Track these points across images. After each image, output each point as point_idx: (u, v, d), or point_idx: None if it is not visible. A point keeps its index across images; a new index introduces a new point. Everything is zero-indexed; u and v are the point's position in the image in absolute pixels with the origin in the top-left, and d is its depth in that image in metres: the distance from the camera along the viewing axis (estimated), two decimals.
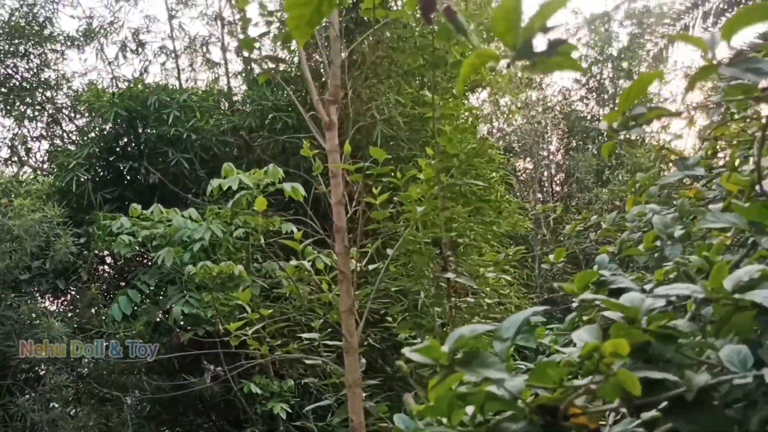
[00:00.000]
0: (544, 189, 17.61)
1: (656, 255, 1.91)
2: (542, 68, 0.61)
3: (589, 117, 16.76)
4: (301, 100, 7.08)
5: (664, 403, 0.84)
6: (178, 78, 10.76)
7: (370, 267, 3.33)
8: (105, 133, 8.93)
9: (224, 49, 10.49)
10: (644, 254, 1.71)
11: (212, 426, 8.99)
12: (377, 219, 3.28)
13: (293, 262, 3.29)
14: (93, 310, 8.29)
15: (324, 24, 3.51)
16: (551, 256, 2.39)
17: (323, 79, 7.34)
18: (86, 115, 9.52)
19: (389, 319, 4.19)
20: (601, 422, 0.93)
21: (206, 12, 10.81)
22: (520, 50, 0.58)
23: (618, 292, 1.01)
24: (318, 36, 3.37)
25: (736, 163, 1.98)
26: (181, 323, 7.23)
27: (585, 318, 1.65)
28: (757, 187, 1.30)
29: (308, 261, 3.90)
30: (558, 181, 17.76)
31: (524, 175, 17.49)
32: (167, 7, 10.43)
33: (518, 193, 16.09)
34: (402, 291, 4.60)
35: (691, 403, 0.77)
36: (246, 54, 9.16)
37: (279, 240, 3.43)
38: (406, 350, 0.72)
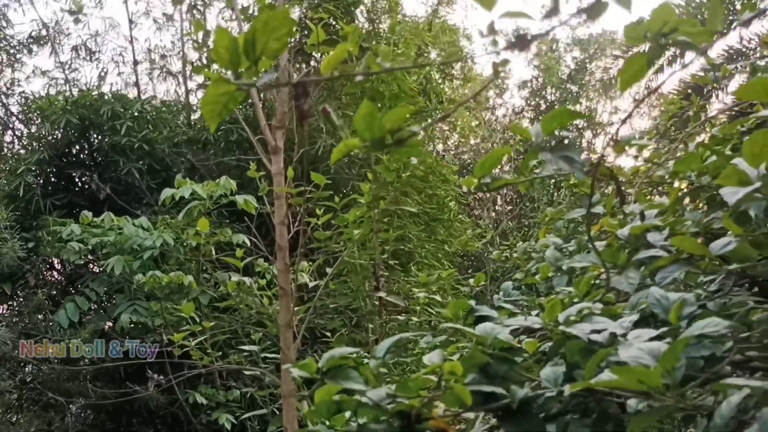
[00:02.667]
0: (497, 208, 17.99)
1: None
2: (394, 156, 0.81)
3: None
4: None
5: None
6: (137, 86, 10.78)
7: (311, 284, 3.51)
8: (56, 139, 8.91)
9: (184, 61, 10.56)
10: (540, 283, 1.94)
11: None
12: (320, 239, 3.47)
13: (235, 278, 3.45)
14: (40, 316, 8.24)
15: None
16: (471, 280, 2.61)
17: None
18: (38, 120, 9.46)
19: (327, 333, 4.37)
20: (462, 426, 1.13)
21: (168, 23, 10.86)
22: (373, 144, 0.79)
23: (485, 319, 1.22)
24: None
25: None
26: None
27: None
28: (624, 233, 1.53)
29: (259, 274, 4.05)
30: (511, 200, 18.13)
31: (480, 194, 17.87)
32: (128, 17, 10.46)
33: (474, 211, 16.44)
34: (348, 307, 4.78)
35: (516, 411, 0.98)
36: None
37: (222, 257, 3.58)
38: (287, 366, 0.92)
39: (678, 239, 1.19)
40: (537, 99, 17.14)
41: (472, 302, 1.90)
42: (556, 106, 17.10)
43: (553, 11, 0.79)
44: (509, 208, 17.57)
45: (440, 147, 16.74)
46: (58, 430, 7.76)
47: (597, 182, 2.05)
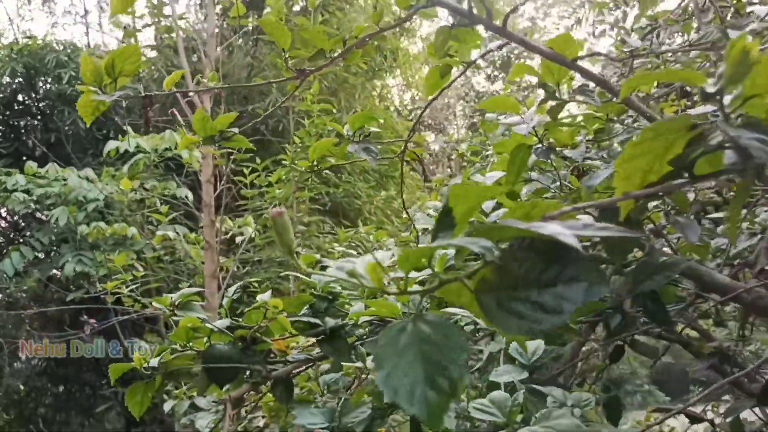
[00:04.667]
0: (451, 164, 18.32)
1: None
2: (224, 145, 1.11)
3: (494, 94, 17.68)
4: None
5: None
6: (87, 36, 10.73)
7: (238, 239, 3.80)
8: (2, 86, 8.89)
9: (134, 14, 10.48)
10: (413, 241, 2.27)
11: (106, 382, 9.25)
12: (246, 197, 3.75)
13: (160, 232, 3.72)
14: None
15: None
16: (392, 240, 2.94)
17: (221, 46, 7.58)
18: None
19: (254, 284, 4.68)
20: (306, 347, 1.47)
21: None
22: (205, 140, 1.09)
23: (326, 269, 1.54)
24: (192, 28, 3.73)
25: None
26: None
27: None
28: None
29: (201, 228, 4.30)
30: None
31: (433, 150, 18.15)
32: None
33: (431, 167, 16.75)
34: (274, 260, 5.08)
35: (329, 337, 1.32)
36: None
37: (149, 212, 3.83)
38: (149, 300, 1.22)
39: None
40: (489, 55, 17.38)
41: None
42: (515, 62, 17.45)
43: (347, 50, 1.09)
44: (464, 165, 17.93)
45: (397, 102, 16.93)
46: (7, 377, 7.98)
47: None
